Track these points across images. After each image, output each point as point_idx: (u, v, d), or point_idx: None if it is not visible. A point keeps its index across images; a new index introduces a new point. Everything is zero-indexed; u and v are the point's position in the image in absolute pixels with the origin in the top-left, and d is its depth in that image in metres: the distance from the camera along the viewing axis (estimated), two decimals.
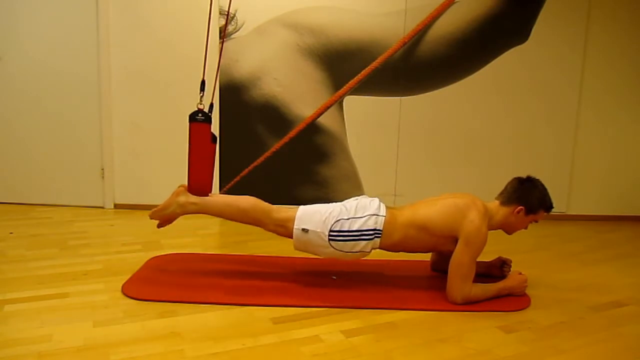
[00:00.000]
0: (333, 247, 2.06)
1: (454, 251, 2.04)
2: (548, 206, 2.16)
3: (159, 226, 2.21)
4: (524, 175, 2.21)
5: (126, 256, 2.49)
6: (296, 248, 2.14)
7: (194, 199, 2.13)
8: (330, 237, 2.05)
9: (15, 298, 1.94)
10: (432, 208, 2.10)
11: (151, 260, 2.42)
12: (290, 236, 2.10)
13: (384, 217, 2.06)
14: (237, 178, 3.56)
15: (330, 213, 2.07)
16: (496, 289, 2.12)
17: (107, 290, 2.05)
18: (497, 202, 2.18)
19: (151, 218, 2.18)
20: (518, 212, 2.13)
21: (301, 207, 2.13)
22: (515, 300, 2.12)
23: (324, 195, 3.62)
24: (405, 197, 3.69)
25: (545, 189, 2.17)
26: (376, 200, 2.16)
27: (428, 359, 1.63)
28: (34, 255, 2.45)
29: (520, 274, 2.19)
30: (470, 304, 2.04)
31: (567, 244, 3.17)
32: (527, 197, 2.13)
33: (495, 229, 2.17)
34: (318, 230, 2.05)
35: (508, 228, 2.19)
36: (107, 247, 2.64)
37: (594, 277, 2.52)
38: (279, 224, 2.11)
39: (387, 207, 2.14)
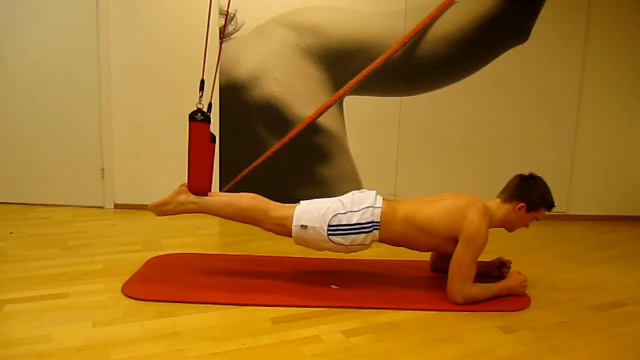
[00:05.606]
0: (332, 242, 2.08)
1: (455, 251, 2.04)
2: (549, 204, 2.16)
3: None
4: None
5: (126, 256, 2.49)
6: (297, 243, 2.16)
7: (194, 198, 2.14)
8: (329, 232, 2.06)
9: (15, 298, 1.94)
10: (432, 209, 2.10)
11: (151, 260, 2.42)
12: (289, 234, 2.11)
13: (380, 209, 2.08)
14: (237, 178, 3.57)
15: (327, 208, 2.08)
16: (496, 288, 2.12)
17: (107, 290, 2.05)
18: (498, 200, 2.18)
19: (149, 210, 2.19)
20: (519, 209, 2.13)
21: (298, 205, 2.14)
22: (515, 300, 2.12)
23: (324, 195, 3.60)
24: (405, 197, 3.67)
25: (547, 187, 2.17)
26: (372, 192, 2.17)
27: (428, 359, 1.63)
28: (34, 255, 2.45)
29: (520, 274, 2.19)
30: (471, 304, 2.04)
31: (567, 244, 3.17)
32: (529, 193, 2.13)
33: (496, 227, 2.17)
34: (317, 225, 2.06)
35: (509, 225, 2.19)
36: (107, 247, 2.64)
37: (594, 277, 2.52)
38: (277, 223, 2.11)
39: (385, 199, 2.14)
